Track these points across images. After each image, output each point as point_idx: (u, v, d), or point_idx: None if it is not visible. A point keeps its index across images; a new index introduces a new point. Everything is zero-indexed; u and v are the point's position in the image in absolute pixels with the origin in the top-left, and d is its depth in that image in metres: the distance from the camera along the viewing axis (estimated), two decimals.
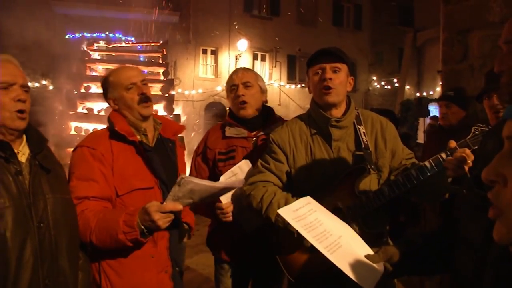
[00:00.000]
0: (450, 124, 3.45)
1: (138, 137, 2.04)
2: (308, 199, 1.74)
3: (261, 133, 2.46)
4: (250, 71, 2.57)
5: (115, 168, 1.95)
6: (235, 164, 2.37)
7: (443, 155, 1.74)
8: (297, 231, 1.57)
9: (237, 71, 2.55)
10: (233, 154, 2.44)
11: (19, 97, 1.59)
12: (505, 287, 0.98)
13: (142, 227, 1.76)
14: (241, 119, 2.48)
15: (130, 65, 2.21)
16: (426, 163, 1.78)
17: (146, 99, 2.06)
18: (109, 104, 2.13)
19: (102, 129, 2.13)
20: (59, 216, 1.66)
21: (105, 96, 2.14)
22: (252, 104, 2.46)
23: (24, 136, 1.68)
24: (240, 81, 2.46)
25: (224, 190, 1.99)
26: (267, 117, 2.55)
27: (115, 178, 1.94)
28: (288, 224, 1.60)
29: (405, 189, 1.81)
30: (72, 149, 2.08)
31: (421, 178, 1.78)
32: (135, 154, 2.01)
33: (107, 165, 1.94)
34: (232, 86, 2.49)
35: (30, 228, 1.54)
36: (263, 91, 2.55)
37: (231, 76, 2.54)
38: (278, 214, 1.69)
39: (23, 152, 1.64)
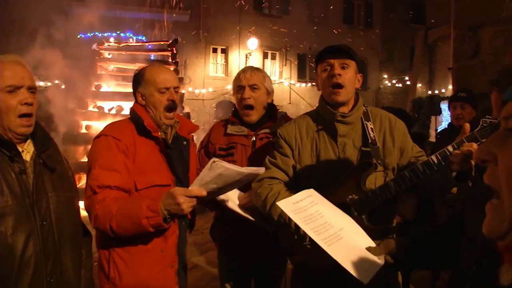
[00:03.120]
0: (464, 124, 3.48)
1: (160, 133, 2.08)
2: (310, 192, 1.73)
3: (261, 132, 2.48)
4: (258, 71, 2.55)
5: (136, 162, 1.99)
6: (234, 161, 2.41)
7: (450, 148, 1.72)
8: (295, 223, 1.56)
9: (245, 70, 2.53)
10: (233, 151, 2.47)
11: (25, 100, 1.58)
12: (485, 280, 0.97)
13: (165, 212, 1.80)
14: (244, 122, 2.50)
15: (168, 68, 2.21)
16: (433, 157, 1.76)
17: (173, 107, 2.10)
18: (135, 96, 2.15)
19: (125, 120, 2.15)
20: (62, 214, 1.67)
21: (135, 87, 2.16)
22: (258, 109, 2.47)
23: (30, 136, 1.68)
24: (247, 83, 2.45)
25: (248, 176, 1.99)
26: (270, 116, 2.56)
27: (135, 172, 1.98)
28: (287, 216, 1.59)
29: (412, 184, 1.79)
30: (81, 147, 2.10)
31: (428, 172, 1.76)
32: (156, 150, 2.06)
33: (130, 157, 1.98)
34: (239, 86, 2.49)
35: (33, 227, 1.55)
36: (269, 92, 2.55)
37: (238, 76, 2.52)
38: (278, 207, 1.66)
39: (27, 150, 1.65)
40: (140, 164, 1.99)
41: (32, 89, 1.64)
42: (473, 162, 1.57)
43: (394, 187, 1.83)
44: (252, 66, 2.64)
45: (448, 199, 3.29)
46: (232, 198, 2.29)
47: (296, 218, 1.54)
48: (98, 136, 2.04)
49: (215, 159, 1.73)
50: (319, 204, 1.67)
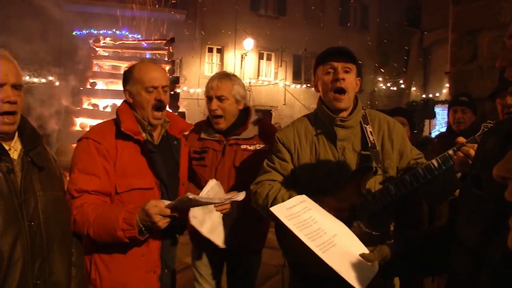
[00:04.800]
0: (464, 129, 3.47)
1: (144, 135, 2.03)
2: (302, 197, 1.72)
3: (231, 137, 2.51)
4: (226, 80, 2.52)
5: (117, 165, 1.94)
6: (205, 165, 2.49)
7: (451, 152, 1.72)
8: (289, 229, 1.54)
9: (213, 79, 2.52)
10: (204, 155, 2.53)
11: (8, 98, 1.51)
12: None
13: (141, 225, 1.77)
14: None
15: (157, 65, 2.14)
16: (434, 161, 1.76)
17: (161, 106, 2.04)
18: (124, 94, 2.11)
19: (108, 121, 2.10)
20: (50, 214, 1.62)
21: (124, 85, 2.11)
22: (227, 118, 2.50)
23: (16, 132, 1.62)
24: (215, 94, 2.47)
25: (226, 200, 2.03)
26: (243, 121, 2.57)
27: (116, 175, 1.94)
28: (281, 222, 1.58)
29: (412, 188, 1.79)
30: (75, 144, 2.05)
31: (428, 177, 1.75)
32: (139, 152, 2.01)
33: (111, 161, 1.93)
34: (208, 97, 2.52)
35: (21, 227, 1.50)
36: (239, 100, 2.55)
37: (208, 85, 2.53)
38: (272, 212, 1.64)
39: (15, 148, 1.59)
40: (122, 168, 1.95)
41: (17, 86, 1.56)
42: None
43: (394, 191, 1.82)
44: (222, 74, 2.60)
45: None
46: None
47: (290, 224, 1.52)
48: (80, 139, 2.00)
49: (189, 194, 1.72)
50: (312, 210, 1.65)
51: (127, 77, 2.08)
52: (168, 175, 2.07)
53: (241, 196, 1.97)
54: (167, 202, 1.79)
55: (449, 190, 1.84)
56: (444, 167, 1.73)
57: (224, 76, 2.55)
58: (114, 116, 2.08)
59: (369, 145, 1.95)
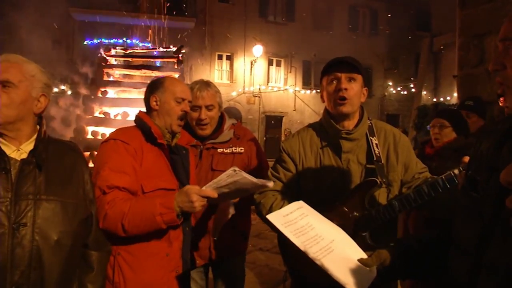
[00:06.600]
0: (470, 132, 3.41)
1: (164, 141, 2.15)
2: (300, 204, 1.71)
3: (208, 142, 2.57)
4: (212, 88, 2.57)
5: (143, 166, 2.03)
6: None
7: (456, 171, 1.70)
8: (286, 236, 1.53)
9: (201, 89, 2.53)
10: None
11: None
12: None
13: (178, 209, 1.85)
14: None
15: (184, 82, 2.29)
16: (439, 179, 1.75)
17: (184, 118, 2.21)
18: (149, 100, 2.19)
19: (131, 127, 2.20)
20: (48, 220, 1.53)
21: (150, 92, 2.20)
22: (212, 124, 2.56)
23: (36, 134, 1.61)
24: (204, 104, 2.51)
25: (257, 187, 2.02)
26: (218, 127, 2.63)
27: (142, 176, 2.02)
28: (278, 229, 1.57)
29: (416, 205, 1.78)
30: (87, 153, 2.11)
31: (433, 194, 1.75)
32: (161, 156, 2.11)
33: (138, 161, 2.02)
34: (195, 106, 2.51)
35: (3, 229, 1.44)
36: (221, 107, 2.63)
37: (194, 93, 2.50)
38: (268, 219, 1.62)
39: (24, 150, 1.56)
40: (147, 169, 2.03)
41: (4, 83, 1.51)
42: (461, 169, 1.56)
43: (398, 207, 1.81)
44: (205, 83, 2.61)
45: None
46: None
47: (287, 232, 1.51)
48: (106, 140, 2.08)
49: (235, 168, 1.79)
50: (309, 216, 1.64)
51: (158, 85, 2.19)
52: (185, 179, 2.20)
53: (270, 183, 2.00)
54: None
55: (451, 207, 1.83)
56: (448, 186, 1.73)
57: (208, 85, 2.59)
58: (125, 125, 2.19)
59: (374, 158, 1.94)
